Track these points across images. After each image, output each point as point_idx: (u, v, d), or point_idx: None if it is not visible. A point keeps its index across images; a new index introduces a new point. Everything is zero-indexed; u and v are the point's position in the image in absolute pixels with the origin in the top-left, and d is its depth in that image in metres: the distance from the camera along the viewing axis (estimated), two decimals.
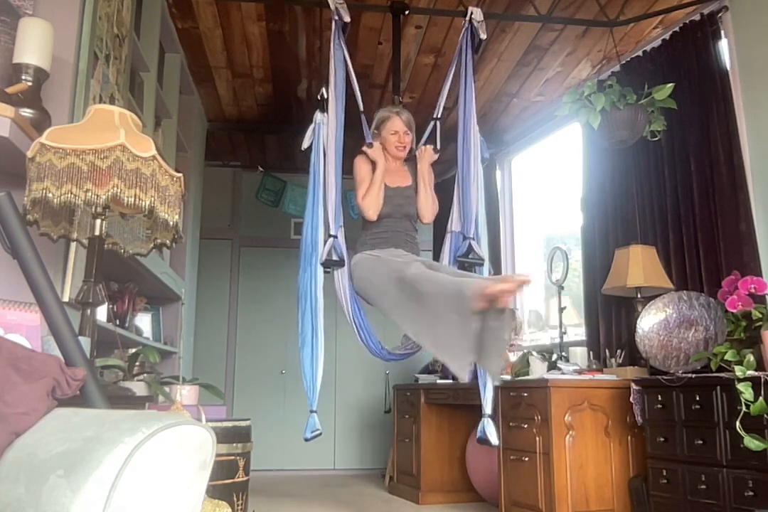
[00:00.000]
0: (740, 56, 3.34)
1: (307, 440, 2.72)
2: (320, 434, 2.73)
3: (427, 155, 3.02)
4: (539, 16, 3.70)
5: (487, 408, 2.77)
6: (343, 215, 2.92)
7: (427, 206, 2.98)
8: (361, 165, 2.96)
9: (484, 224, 2.96)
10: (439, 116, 3.08)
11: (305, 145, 2.92)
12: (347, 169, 2.91)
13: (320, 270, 2.81)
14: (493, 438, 2.71)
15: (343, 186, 2.89)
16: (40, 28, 2.01)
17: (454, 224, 2.96)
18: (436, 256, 5.79)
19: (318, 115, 2.95)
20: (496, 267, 5.28)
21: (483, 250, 2.89)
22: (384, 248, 2.84)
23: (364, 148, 2.96)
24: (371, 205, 2.88)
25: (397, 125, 2.96)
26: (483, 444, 2.78)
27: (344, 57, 2.95)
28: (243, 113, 5.35)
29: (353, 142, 3.03)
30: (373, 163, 2.94)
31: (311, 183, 2.90)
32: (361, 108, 2.98)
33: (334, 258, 2.80)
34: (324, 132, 2.91)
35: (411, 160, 3.06)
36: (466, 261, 2.88)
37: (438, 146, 3.05)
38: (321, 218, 2.84)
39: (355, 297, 2.87)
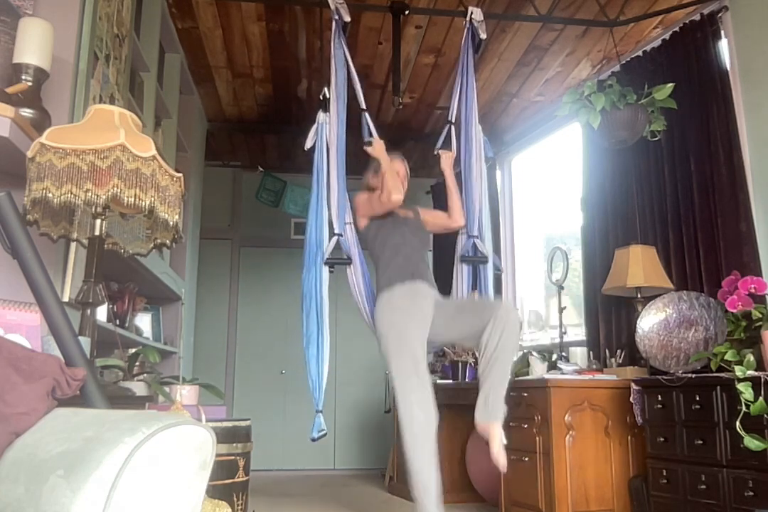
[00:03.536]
0: (740, 56, 3.33)
1: (314, 440, 2.73)
2: (326, 434, 2.74)
3: (446, 159, 3.00)
4: (539, 16, 3.70)
5: None
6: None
7: (457, 208, 2.95)
8: (361, 198, 2.93)
9: (488, 222, 2.96)
10: (453, 120, 3.05)
11: (308, 145, 2.92)
12: (351, 168, 2.91)
13: (325, 269, 2.81)
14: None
15: (348, 186, 2.89)
16: (40, 28, 2.01)
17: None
18: (435, 255, 5.78)
19: (321, 115, 2.95)
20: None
21: (488, 247, 2.90)
22: (402, 282, 2.75)
23: (364, 147, 2.95)
24: (394, 189, 2.78)
25: (400, 168, 2.94)
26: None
27: (345, 57, 2.95)
28: (243, 113, 5.35)
29: (356, 141, 3.03)
30: (372, 192, 2.92)
31: (314, 183, 2.91)
32: (363, 106, 2.97)
33: (342, 256, 2.81)
34: (327, 131, 2.92)
35: (413, 208, 3.05)
36: (469, 260, 2.89)
37: (453, 150, 3.02)
38: (325, 217, 2.84)
39: (373, 297, 2.87)
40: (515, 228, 5.58)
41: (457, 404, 4.18)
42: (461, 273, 2.95)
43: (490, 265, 2.90)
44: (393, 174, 2.84)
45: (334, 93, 2.91)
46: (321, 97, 2.97)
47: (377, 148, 2.93)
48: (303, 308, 2.79)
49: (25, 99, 1.95)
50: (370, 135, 2.97)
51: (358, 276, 2.86)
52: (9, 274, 1.77)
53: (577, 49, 4.23)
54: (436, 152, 3.03)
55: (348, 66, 2.95)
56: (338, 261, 2.81)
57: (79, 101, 2.30)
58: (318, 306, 2.76)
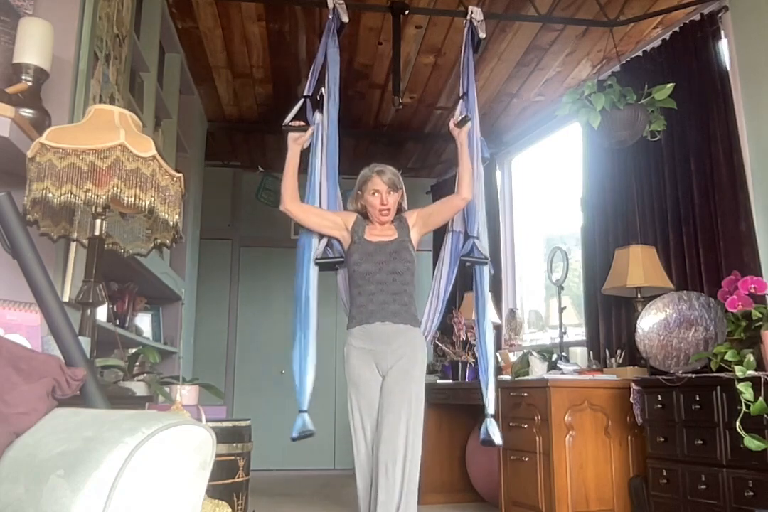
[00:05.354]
0: (740, 56, 3.33)
1: (294, 440, 2.75)
2: (311, 434, 2.75)
3: (461, 125, 2.80)
4: (539, 16, 3.70)
5: (490, 408, 2.76)
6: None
7: (466, 180, 2.72)
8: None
9: (484, 223, 2.94)
10: (466, 93, 3.01)
11: (287, 121, 2.81)
12: (344, 169, 2.91)
13: (313, 271, 2.80)
14: (497, 438, 2.69)
15: (344, 186, 2.89)
16: (40, 28, 2.01)
17: (455, 223, 2.93)
18: (435, 255, 5.78)
19: (317, 116, 2.96)
20: (497, 267, 5.28)
21: (485, 248, 2.88)
22: (360, 323, 2.63)
23: (284, 129, 2.76)
24: (282, 191, 2.72)
25: (377, 184, 2.70)
26: (487, 445, 2.75)
27: (326, 55, 2.98)
28: (243, 113, 5.35)
29: (352, 142, 3.03)
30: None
31: (309, 183, 2.92)
32: (308, 92, 2.97)
33: (330, 255, 2.81)
34: (321, 132, 2.93)
35: (400, 218, 2.82)
36: (469, 260, 2.86)
37: (467, 119, 2.81)
38: None
39: None
40: (515, 228, 5.58)
41: (456, 404, 4.19)
42: (444, 269, 2.90)
43: (487, 266, 2.88)
44: (289, 173, 2.74)
45: (326, 93, 2.94)
46: (318, 98, 2.99)
47: (295, 138, 2.77)
48: (295, 310, 2.79)
49: (25, 99, 1.95)
50: (296, 119, 2.84)
51: (346, 278, 2.87)
52: (9, 274, 1.77)
53: (577, 49, 4.23)
54: (461, 117, 2.84)
55: (325, 63, 2.97)
56: (327, 260, 2.81)
57: (79, 101, 2.29)
58: (304, 309, 2.76)
